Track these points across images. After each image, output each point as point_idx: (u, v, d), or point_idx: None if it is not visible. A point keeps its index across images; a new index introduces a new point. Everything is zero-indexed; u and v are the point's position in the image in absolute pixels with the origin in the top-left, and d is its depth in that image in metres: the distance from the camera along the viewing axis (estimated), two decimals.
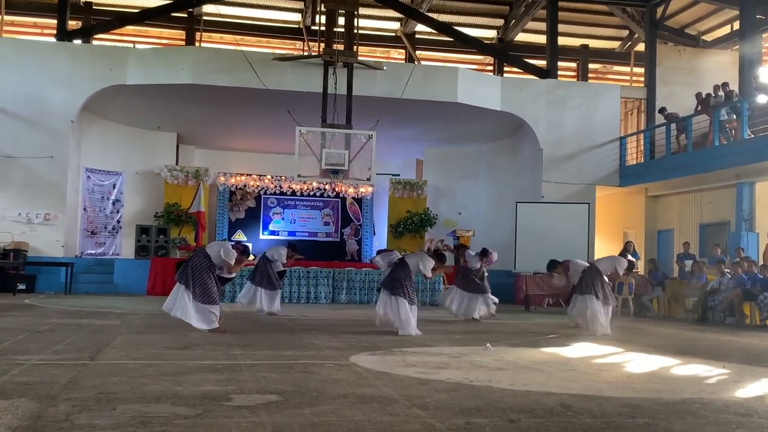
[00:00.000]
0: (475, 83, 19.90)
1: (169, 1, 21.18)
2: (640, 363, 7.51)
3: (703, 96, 19.51)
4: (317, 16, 21.43)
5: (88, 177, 20.42)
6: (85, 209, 20.33)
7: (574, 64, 26.02)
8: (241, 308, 13.27)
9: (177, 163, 22.16)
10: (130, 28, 22.77)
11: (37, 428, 3.86)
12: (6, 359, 6.31)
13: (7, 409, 4.29)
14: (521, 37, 24.90)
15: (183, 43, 23.32)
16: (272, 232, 22.99)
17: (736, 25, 21.10)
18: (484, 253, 13.64)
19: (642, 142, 20.86)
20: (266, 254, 13.41)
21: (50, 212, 18.37)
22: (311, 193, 23.46)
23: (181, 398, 4.79)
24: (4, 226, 18.10)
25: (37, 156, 18.18)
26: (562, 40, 22.87)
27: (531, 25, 23.70)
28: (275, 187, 23.22)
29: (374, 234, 24.21)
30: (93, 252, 20.48)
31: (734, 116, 17.67)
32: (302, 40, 23.65)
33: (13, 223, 18.14)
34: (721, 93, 18.88)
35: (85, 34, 20.85)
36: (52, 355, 6.70)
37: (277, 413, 4.41)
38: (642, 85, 22.61)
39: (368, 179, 17.53)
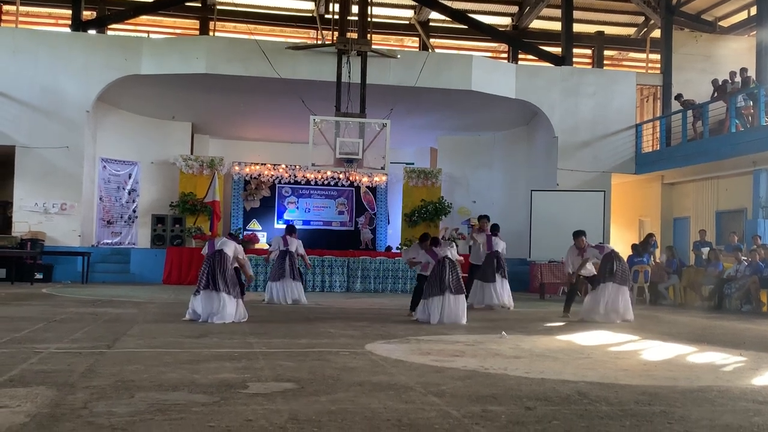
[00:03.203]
0: (489, 71, 19.81)
1: None
2: (656, 351, 7.48)
3: (720, 82, 19.35)
4: (331, 5, 21.40)
5: (104, 167, 20.52)
6: (101, 199, 20.45)
7: (589, 51, 25.84)
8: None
9: (192, 153, 22.23)
10: (144, 18, 22.81)
11: (56, 416, 3.89)
12: (24, 348, 6.36)
13: (26, 397, 4.32)
14: (536, 24, 24.75)
15: (197, 32, 23.34)
16: (287, 222, 23.03)
17: (754, 11, 20.87)
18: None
19: (658, 129, 20.73)
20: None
21: (66, 202, 18.49)
22: (325, 182, 23.48)
23: (198, 386, 4.81)
24: (21, 216, 18.26)
25: (53, 146, 18.29)
26: (577, 27, 22.71)
27: (546, 11, 23.55)
28: (290, 176, 23.26)
29: (389, 223, 24.22)
30: (109, 241, 20.60)
31: (751, 103, 17.51)
32: (316, 28, 23.60)
33: (30, 213, 18.27)
34: (737, 79, 18.72)
35: (100, 24, 20.91)
36: (69, 344, 6.75)
37: (294, 401, 4.43)
38: (658, 71, 22.43)
39: (382, 168, 17.51)
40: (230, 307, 9.41)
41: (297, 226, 14.47)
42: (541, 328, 9.75)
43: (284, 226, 15.51)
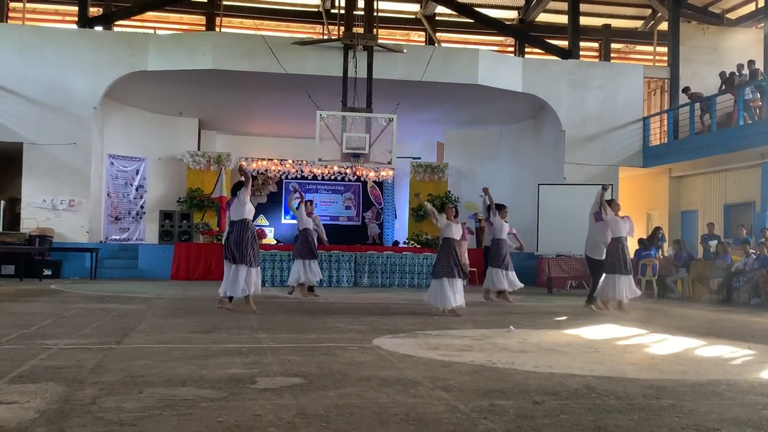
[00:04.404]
0: (496, 65, 19.77)
1: None
2: (664, 344, 7.47)
3: (727, 75, 19.26)
4: (337, 0, 21.37)
5: (112, 163, 20.58)
6: (108, 195, 20.50)
7: (596, 44, 25.74)
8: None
9: (199, 149, 22.27)
10: (150, 14, 22.86)
11: (65, 411, 3.90)
12: (33, 344, 6.39)
13: (35, 393, 4.34)
14: (542, 17, 24.67)
15: (203, 28, 23.35)
16: (294, 217, 22.99)
17: (761, 2, 20.77)
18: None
19: (665, 123, 20.68)
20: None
21: (74, 198, 18.55)
22: (332, 177, 23.48)
23: (207, 381, 4.82)
24: (29, 213, 18.33)
25: (60, 143, 18.34)
26: (583, 20, 22.64)
27: (552, 5, 23.46)
28: (296, 171, 23.26)
29: (395, 217, 24.21)
30: (117, 237, 20.66)
31: (759, 95, 17.44)
32: (322, 23, 23.60)
33: (38, 210, 18.34)
34: (745, 71, 18.63)
35: (106, 20, 20.95)
36: (78, 340, 6.77)
37: (302, 396, 4.43)
38: (665, 64, 22.35)
39: (389, 163, 17.54)
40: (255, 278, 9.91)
41: None
42: (549, 322, 9.73)
43: (291, 222, 15.50)
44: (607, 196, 11.86)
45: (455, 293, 10.28)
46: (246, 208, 10.25)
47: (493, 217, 13.31)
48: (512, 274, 13.16)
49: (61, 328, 7.63)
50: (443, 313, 10.21)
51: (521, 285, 13.33)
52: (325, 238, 14.19)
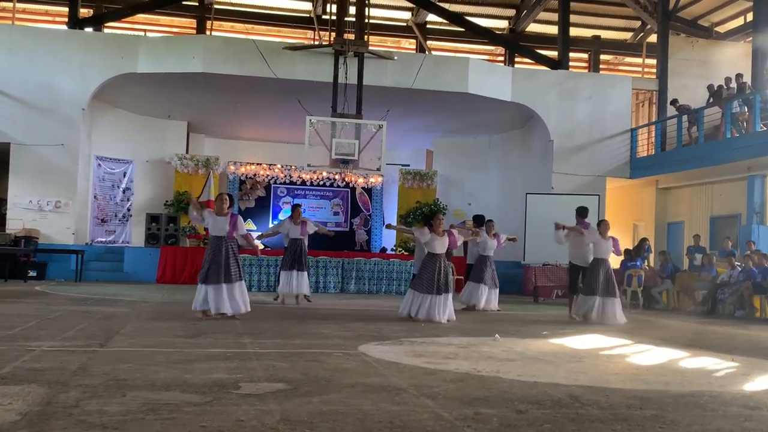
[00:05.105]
0: (485, 74, 19.83)
1: None
2: (648, 355, 7.49)
3: (715, 88, 19.39)
4: (328, 5, 21.40)
5: (99, 165, 20.49)
6: (95, 197, 20.41)
7: (585, 55, 25.91)
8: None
9: (187, 152, 22.21)
10: (141, 17, 22.80)
11: (48, 414, 3.88)
12: (17, 345, 6.35)
13: (17, 395, 4.31)
14: (533, 27, 24.80)
15: (194, 31, 23.34)
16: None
17: (750, 17, 20.94)
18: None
19: (653, 134, 20.78)
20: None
21: (61, 200, 18.46)
22: (321, 182, 23.48)
23: (191, 386, 4.80)
24: (15, 214, 18.22)
25: (48, 144, 18.26)
26: (573, 31, 22.76)
27: (543, 15, 23.60)
28: (285, 176, 23.26)
29: (384, 224, 24.23)
30: (103, 240, 20.57)
31: (746, 108, 17.56)
32: (313, 29, 23.61)
33: (24, 211, 18.25)
34: (733, 85, 18.76)
35: (97, 22, 20.89)
36: (62, 342, 6.74)
37: (286, 401, 4.42)
38: (654, 76, 22.48)
39: (378, 169, 17.55)
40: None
41: None
42: (534, 330, 9.75)
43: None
44: (593, 212, 12.00)
45: (439, 309, 10.26)
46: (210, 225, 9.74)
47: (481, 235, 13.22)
48: (494, 293, 13.16)
49: (45, 330, 7.59)
50: (409, 319, 10.30)
51: (497, 308, 13.28)
52: (326, 231, 13.89)
